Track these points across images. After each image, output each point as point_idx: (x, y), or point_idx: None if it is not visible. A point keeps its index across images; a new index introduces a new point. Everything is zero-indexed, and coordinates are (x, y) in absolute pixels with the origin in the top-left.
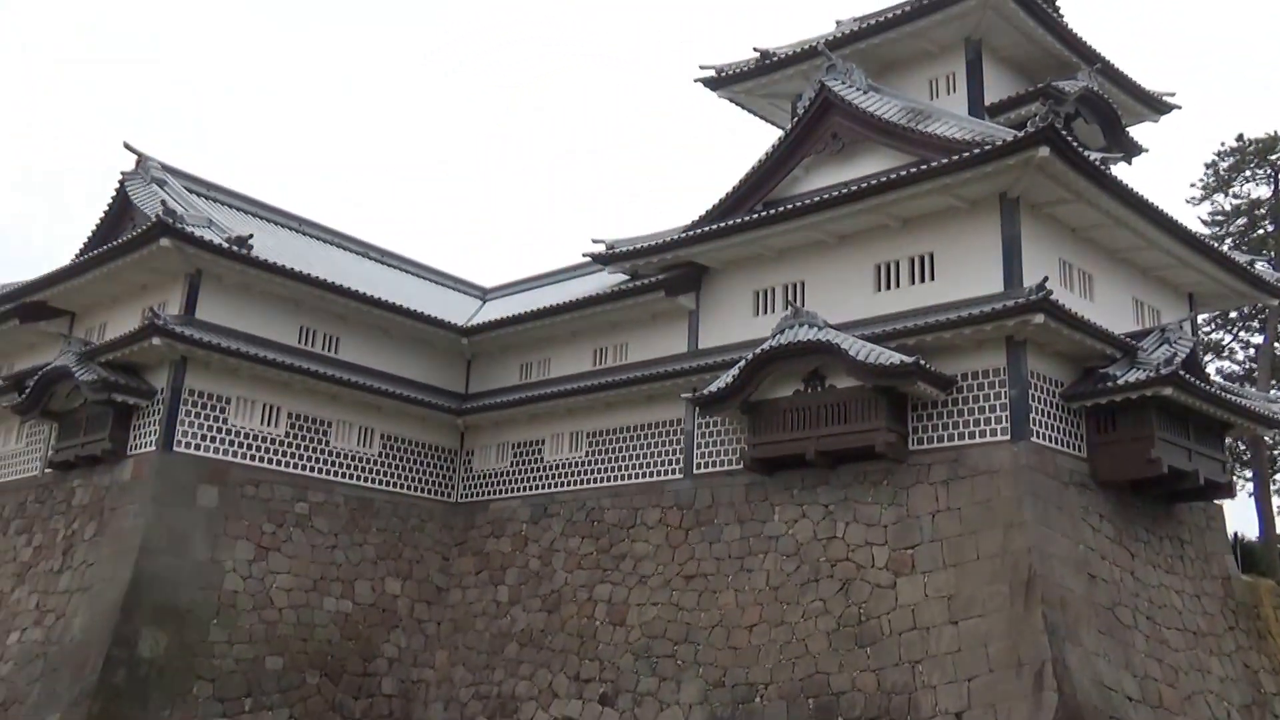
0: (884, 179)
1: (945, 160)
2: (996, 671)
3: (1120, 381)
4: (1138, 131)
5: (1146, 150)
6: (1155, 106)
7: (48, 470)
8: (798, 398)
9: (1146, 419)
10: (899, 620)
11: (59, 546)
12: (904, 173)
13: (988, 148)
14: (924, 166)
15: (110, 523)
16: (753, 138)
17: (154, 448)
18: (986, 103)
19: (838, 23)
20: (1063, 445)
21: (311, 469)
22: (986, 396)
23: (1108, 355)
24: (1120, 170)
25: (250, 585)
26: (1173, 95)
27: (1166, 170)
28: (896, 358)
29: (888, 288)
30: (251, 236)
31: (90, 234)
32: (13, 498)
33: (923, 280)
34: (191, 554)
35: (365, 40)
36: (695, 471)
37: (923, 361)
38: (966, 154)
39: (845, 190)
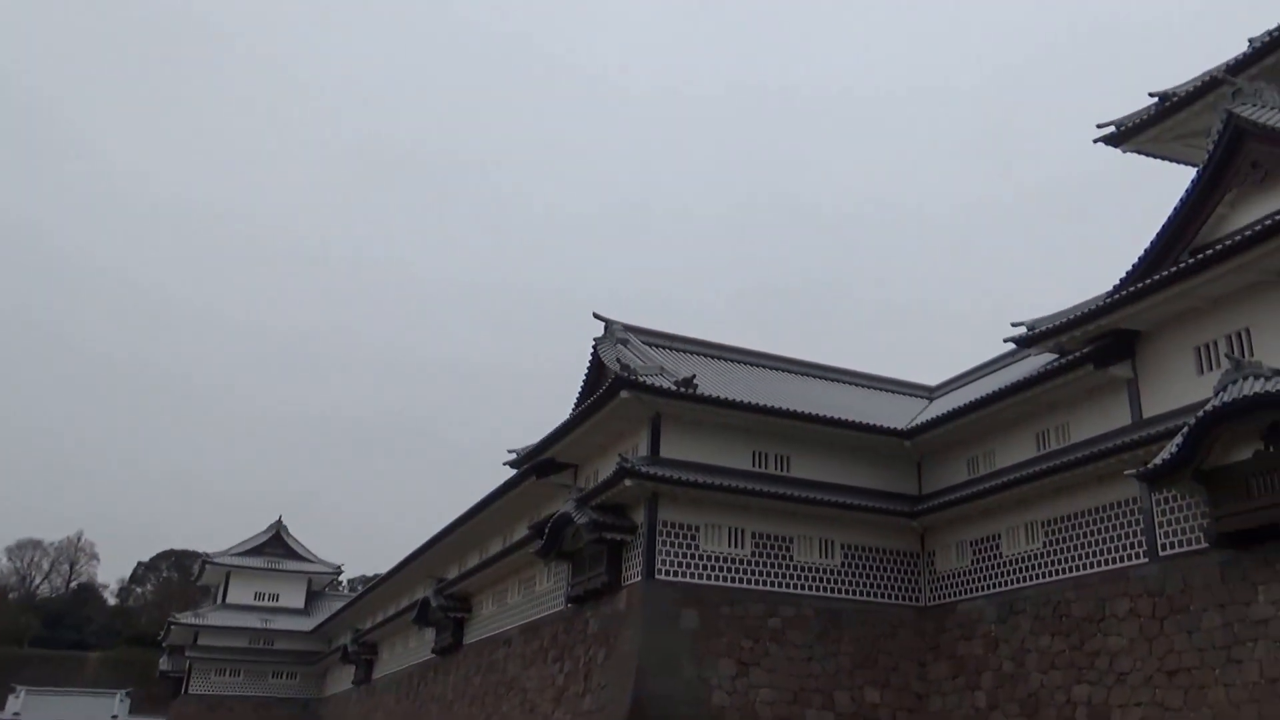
0: None
1: None
2: None
3: None
4: None
5: None
6: None
7: (569, 604)
8: (1260, 460)
9: None
10: None
11: (581, 671)
12: None
13: None
14: None
15: (615, 648)
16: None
17: (640, 577)
18: None
19: (1249, 41)
20: None
21: (779, 584)
22: None
23: None
24: None
25: (735, 700)
26: None
27: None
28: None
29: None
30: (695, 377)
31: (578, 395)
32: (549, 630)
33: None
34: (681, 673)
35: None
36: (1161, 554)
37: None
38: None
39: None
